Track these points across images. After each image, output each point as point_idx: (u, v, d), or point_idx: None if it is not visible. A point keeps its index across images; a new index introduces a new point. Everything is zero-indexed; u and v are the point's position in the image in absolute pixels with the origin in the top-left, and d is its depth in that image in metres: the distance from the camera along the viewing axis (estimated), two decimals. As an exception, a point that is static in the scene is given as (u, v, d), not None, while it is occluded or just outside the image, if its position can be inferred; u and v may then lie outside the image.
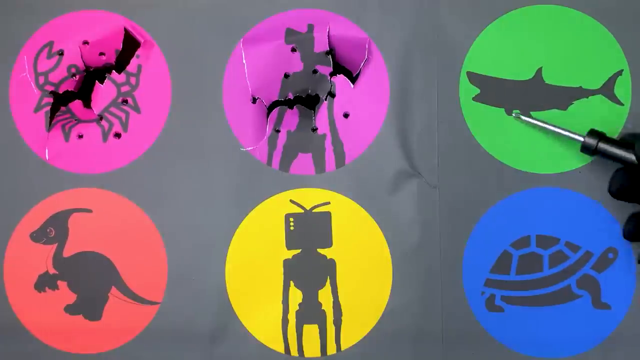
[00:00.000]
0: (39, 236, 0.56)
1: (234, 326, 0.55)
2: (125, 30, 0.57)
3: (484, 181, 0.55)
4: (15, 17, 0.57)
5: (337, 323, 0.55)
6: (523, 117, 0.54)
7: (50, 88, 0.57)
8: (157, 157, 0.56)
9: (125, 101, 0.57)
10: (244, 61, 0.56)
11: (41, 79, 0.57)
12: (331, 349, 0.55)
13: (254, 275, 0.56)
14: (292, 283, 0.56)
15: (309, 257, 0.55)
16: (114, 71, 0.57)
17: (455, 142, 0.55)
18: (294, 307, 0.55)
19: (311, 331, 0.55)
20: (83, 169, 0.57)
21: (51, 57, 0.57)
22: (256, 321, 0.55)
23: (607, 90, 0.54)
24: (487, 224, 0.55)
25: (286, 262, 0.56)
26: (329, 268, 0.55)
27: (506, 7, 0.55)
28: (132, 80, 0.57)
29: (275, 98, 0.56)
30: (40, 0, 0.58)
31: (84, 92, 0.58)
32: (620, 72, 0.54)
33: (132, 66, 0.57)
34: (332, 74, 0.56)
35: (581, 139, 0.51)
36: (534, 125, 0.54)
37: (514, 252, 0.54)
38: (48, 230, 0.56)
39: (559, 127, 0.52)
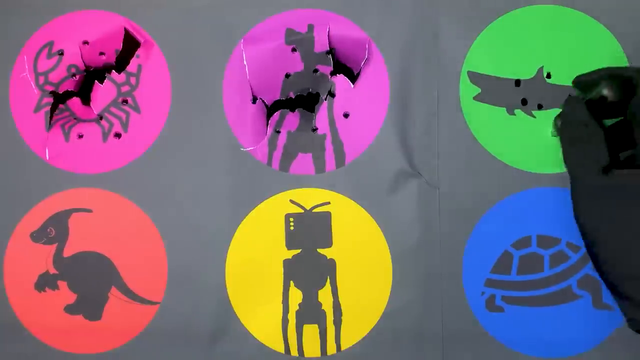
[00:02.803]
0: (39, 236, 0.56)
1: (234, 326, 0.55)
2: (125, 30, 0.57)
3: (484, 181, 0.55)
4: (15, 17, 0.57)
5: (337, 323, 0.55)
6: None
7: (50, 88, 0.57)
8: (157, 157, 0.56)
9: (125, 101, 0.57)
10: (245, 62, 0.56)
11: (41, 79, 0.57)
12: (331, 349, 0.55)
13: (254, 275, 0.56)
14: (292, 283, 0.55)
15: (309, 257, 0.55)
16: (114, 71, 0.57)
17: (456, 142, 0.55)
18: (294, 307, 0.55)
19: (311, 331, 0.55)
20: (83, 169, 0.57)
21: (51, 57, 0.57)
22: (256, 321, 0.55)
23: (608, 90, 0.54)
24: (487, 224, 0.54)
25: (286, 262, 0.56)
26: (329, 268, 0.55)
27: (506, 7, 0.55)
28: (132, 80, 0.57)
29: (277, 98, 0.56)
30: (40, 0, 0.58)
31: (84, 92, 0.58)
32: (620, 72, 0.54)
33: (132, 66, 0.57)
34: (332, 73, 0.56)
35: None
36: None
37: (515, 253, 0.54)
38: (48, 230, 0.56)
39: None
